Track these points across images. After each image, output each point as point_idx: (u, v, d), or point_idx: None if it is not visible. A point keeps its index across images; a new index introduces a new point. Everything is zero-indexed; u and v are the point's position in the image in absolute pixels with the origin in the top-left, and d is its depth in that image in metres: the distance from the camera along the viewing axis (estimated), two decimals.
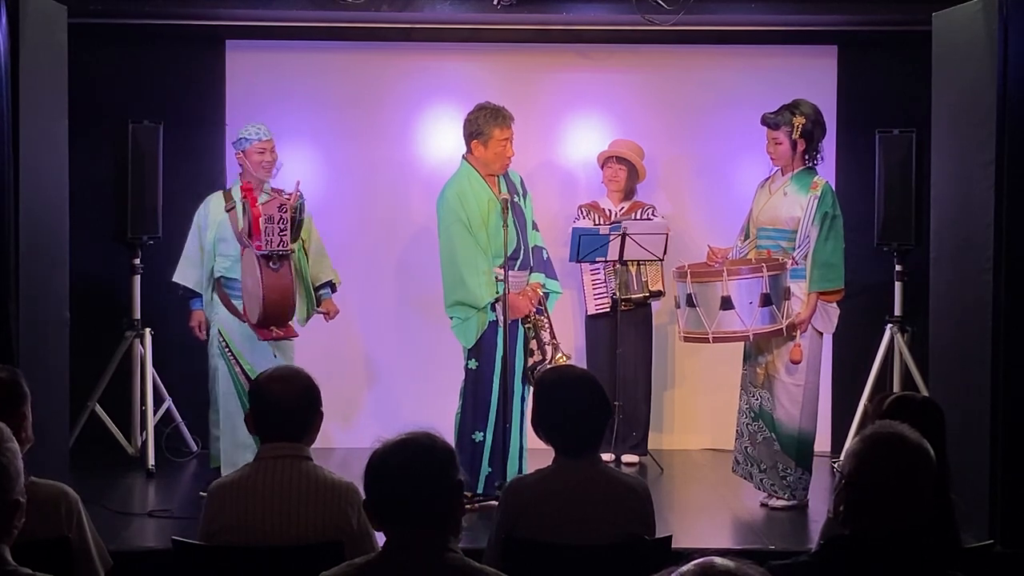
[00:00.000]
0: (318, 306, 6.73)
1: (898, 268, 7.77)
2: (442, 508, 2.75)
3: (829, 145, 7.01)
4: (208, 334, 6.60)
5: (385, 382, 8.11)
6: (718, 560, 1.97)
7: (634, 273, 7.47)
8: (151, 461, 7.19)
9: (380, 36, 7.97)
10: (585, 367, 6.52)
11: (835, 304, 6.41)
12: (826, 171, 6.82)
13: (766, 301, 6.11)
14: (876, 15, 7.43)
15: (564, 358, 6.41)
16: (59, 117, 6.11)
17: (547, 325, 6.48)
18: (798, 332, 6.25)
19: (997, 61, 5.58)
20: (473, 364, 6.38)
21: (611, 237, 7.22)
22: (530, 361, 6.40)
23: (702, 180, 8.20)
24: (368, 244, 8.09)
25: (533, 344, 6.41)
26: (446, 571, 2.73)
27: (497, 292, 6.27)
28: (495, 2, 7.02)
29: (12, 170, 5.54)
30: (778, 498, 6.39)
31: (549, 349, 6.41)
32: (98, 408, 7.53)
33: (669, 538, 3.84)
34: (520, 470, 6.25)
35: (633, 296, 7.48)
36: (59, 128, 6.11)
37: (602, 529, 3.71)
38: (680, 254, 7.27)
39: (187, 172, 7.13)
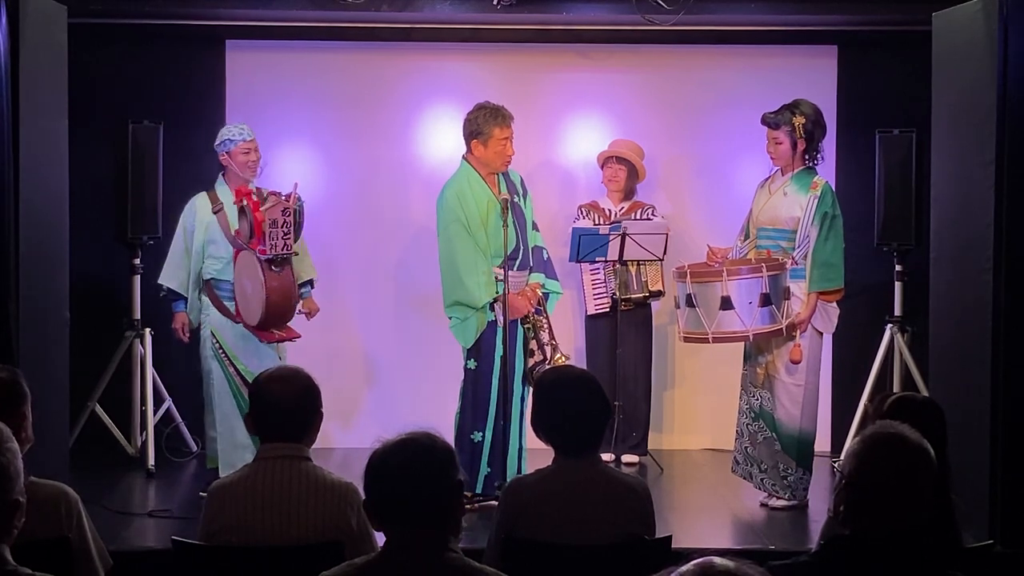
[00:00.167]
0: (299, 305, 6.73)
1: (898, 268, 7.78)
2: (442, 508, 2.75)
3: (829, 145, 7.00)
4: (190, 336, 6.60)
5: (385, 382, 8.11)
6: (717, 560, 1.97)
7: (634, 273, 7.47)
8: (151, 461, 7.20)
9: (380, 36, 7.97)
10: (585, 367, 6.52)
11: (835, 304, 6.41)
12: (826, 171, 6.82)
13: (766, 301, 6.11)
14: (876, 15, 7.43)
15: (563, 358, 6.41)
16: (59, 117, 6.11)
17: (546, 325, 6.48)
18: (798, 332, 6.25)
19: (997, 61, 5.58)
20: (472, 364, 6.38)
21: (611, 237, 7.22)
22: (530, 361, 6.40)
23: (702, 180, 8.20)
24: (368, 244, 8.09)
25: (533, 344, 6.41)
26: (446, 571, 2.73)
27: (496, 292, 6.27)
28: (495, 2, 7.02)
29: (12, 170, 5.54)
30: (778, 498, 6.39)
31: (548, 349, 6.41)
32: (98, 408, 7.53)
33: (669, 538, 3.84)
34: (519, 470, 6.25)
35: (633, 296, 7.48)
36: (59, 128, 6.11)
37: (602, 529, 3.71)
38: (680, 254, 7.27)
39: (187, 172, 7.13)
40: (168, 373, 7.65)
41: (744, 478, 6.56)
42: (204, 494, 3.85)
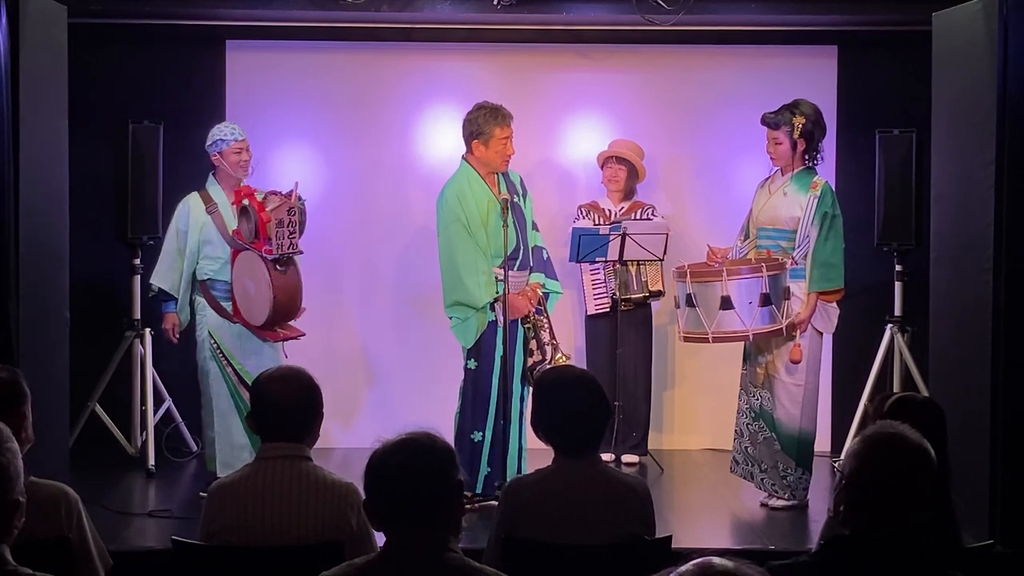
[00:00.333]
0: None
1: (898, 268, 7.78)
2: (442, 508, 2.75)
3: (829, 145, 7.01)
4: (180, 336, 6.59)
5: (385, 382, 8.11)
6: (717, 560, 1.97)
7: (634, 273, 7.47)
8: (151, 461, 7.20)
9: (380, 36, 7.97)
10: (585, 367, 6.52)
11: (835, 304, 6.41)
12: (826, 171, 6.82)
13: (766, 301, 6.11)
14: (876, 15, 7.43)
15: (564, 358, 6.41)
16: (59, 117, 6.11)
17: (546, 325, 6.48)
18: (798, 332, 6.25)
19: (997, 61, 5.58)
20: (472, 364, 6.38)
21: (611, 237, 7.22)
22: (530, 361, 6.40)
23: (702, 180, 8.20)
24: (368, 244, 8.09)
25: (533, 344, 6.42)
26: (446, 571, 2.73)
27: (496, 292, 6.27)
28: (495, 2, 7.02)
29: (12, 170, 5.54)
30: (778, 498, 6.39)
31: (549, 349, 6.41)
32: (98, 408, 7.53)
33: (669, 538, 3.84)
34: (519, 470, 6.25)
35: (633, 296, 7.48)
36: (59, 128, 6.11)
37: (602, 529, 3.71)
38: (680, 254, 7.27)
39: (187, 172, 7.13)
40: (168, 373, 7.65)
41: (744, 478, 6.56)
42: (204, 494, 3.85)
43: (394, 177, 8.10)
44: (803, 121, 6.34)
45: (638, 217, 7.57)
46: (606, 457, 7.13)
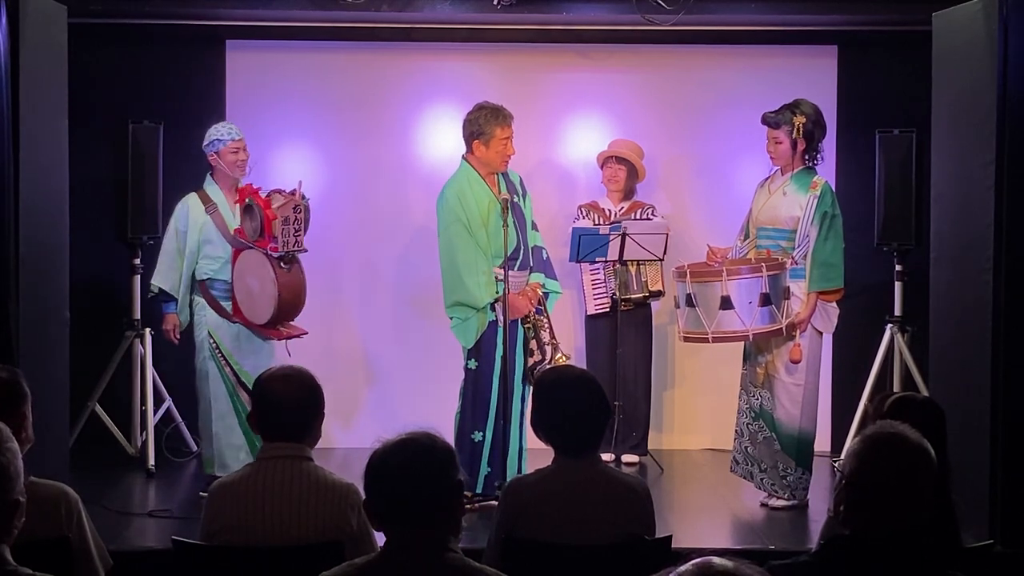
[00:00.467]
0: None
1: (898, 268, 7.78)
2: (442, 508, 2.75)
3: (829, 145, 7.01)
4: (180, 336, 6.58)
5: (385, 382, 8.11)
6: (716, 560, 1.97)
7: (634, 273, 7.47)
8: (151, 461, 7.20)
9: (380, 36, 7.97)
10: (585, 367, 6.51)
11: (835, 304, 6.41)
12: (826, 171, 6.82)
13: (765, 301, 6.11)
14: (876, 15, 7.43)
15: (564, 358, 6.41)
16: (59, 117, 6.11)
17: (547, 325, 6.48)
18: (798, 332, 6.25)
19: (997, 61, 5.58)
20: (473, 364, 6.38)
21: (611, 237, 7.22)
22: (530, 361, 6.40)
23: (702, 180, 8.20)
24: (368, 244, 8.09)
25: (533, 344, 6.42)
26: (446, 571, 2.73)
27: (497, 292, 6.27)
28: (495, 2, 7.02)
29: (12, 170, 5.54)
30: (778, 498, 6.39)
31: (549, 349, 6.41)
32: (98, 408, 7.53)
33: (669, 538, 3.84)
34: (520, 470, 6.25)
35: (633, 296, 7.48)
36: (59, 128, 6.11)
37: (602, 529, 3.71)
38: (680, 254, 7.27)
39: (187, 172, 7.13)
40: (168, 373, 7.65)
41: (744, 478, 6.56)
42: (204, 494, 3.85)
43: (394, 177, 8.10)
44: (803, 121, 6.34)
45: (638, 217, 7.57)
46: (606, 457, 7.13)
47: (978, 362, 5.71)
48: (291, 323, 6.47)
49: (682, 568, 1.97)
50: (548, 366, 6.18)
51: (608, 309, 7.52)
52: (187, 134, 7.42)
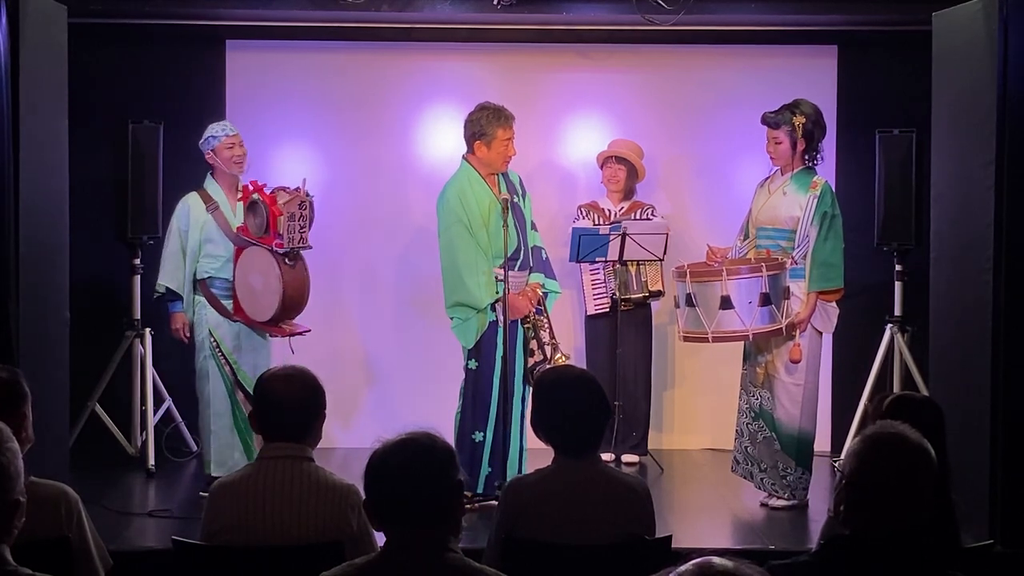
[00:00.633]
0: None
1: (898, 268, 7.78)
2: (442, 508, 2.75)
3: (829, 145, 7.01)
4: (192, 335, 6.59)
5: (385, 382, 8.11)
6: (716, 560, 1.97)
7: (634, 273, 7.47)
8: (151, 461, 7.20)
9: (380, 36, 7.97)
10: (585, 367, 6.51)
11: (834, 304, 6.40)
12: (826, 171, 6.82)
13: (765, 301, 6.11)
14: (876, 15, 7.43)
15: (564, 358, 6.41)
16: (59, 117, 6.11)
17: (547, 325, 6.48)
18: (797, 332, 6.25)
19: (997, 61, 5.58)
20: (473, 364, 6.38)
21: (611, 237, 7.22)
22: (530, 361, 6.40)
23: (702, 180, 8.20)
24: (368, 244, 8.09)
25: (533, 344, 6.42)
26: (446, 571, 2.73)
27: (497, 293, 6.27)
28: (495, 2, 7.02)
29: (12, 170, 5.54)
30: (778, 498, 6.39)
31: (549, 349, 6.41)
32: (98, 408, 7.53)
33: (669, 538, 3.84)
34: (520, 470, 6.25)
35: (633, 296, 7.48)
36: (59, 128, 6.11)
37: (602, 529, 3.71)
38: (680, 254, 7.26)
39: (187, 172, 7.13)
40: (168, 373, 7.65)
41: (744, 477, 6.56)
42: (204, 494, 3.85)
43: (394, 177, 8.10)
44: (803, 121, 6.34)
45: (638, 217, 7.57)
46: (606, 457, 7.14)
47: (978, 362, 5.71)
48: (293, 321, 6.47)
49: (682, 568, 1.97)
50: (548, 366, 6.18)
51: (608, 309, 7.52)
52: (187, 134, 7.41)
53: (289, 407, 3.64)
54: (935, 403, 3.97)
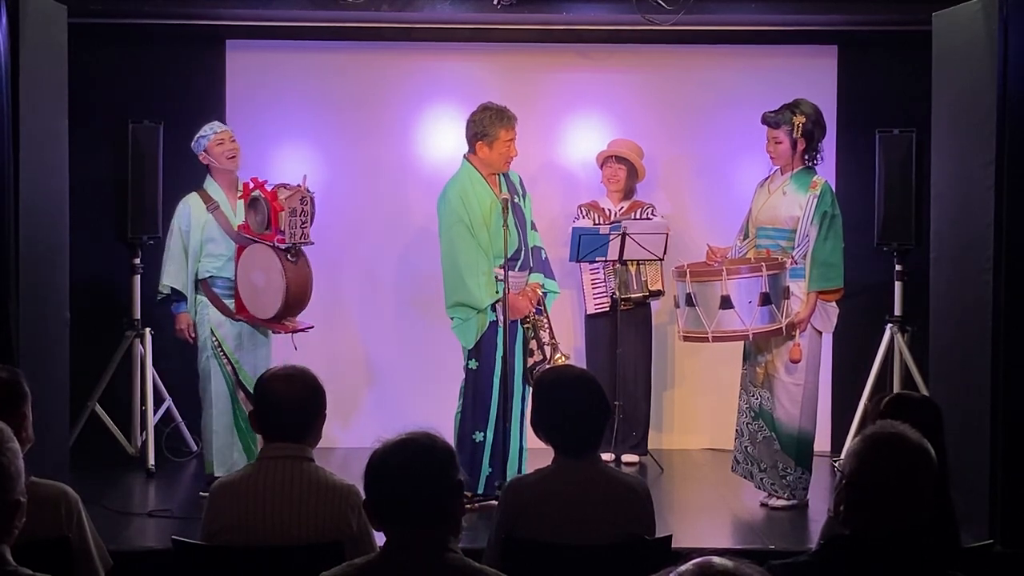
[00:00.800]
0: None
1: (898, 268, 7.78)
2: (442, 508, 2.75)
3: (829, 145, 7.01)
4: (197, 335, 6.59)
5: (385, 382, 8.11)
6: (716, 560, 1.97)
7: (634, 273, 7.47)
8: (151, 461, 7.20)
9: (380, 36, 7.97)
10: (585, 367, 6.51)
11: (834, 303, 6.40)
12: (826, 171, 6.82)
13: (765, 300, 6.11)
14: (876, 15, 7.43)
15: (563, 358, 6.41)
16: (59, 117, 6.11)
17: (546, 325, 6.48)
18: (797, 331, 6.25)
19: (997, 61, 5.58)
20: (473, 364, 6.38)
21: (611, 237, 7.22)
22: (530, 361, 6.40)
23: (702, 180, 8.20)
24: (368, 244, 8.09)
25: (533, 344, 6.42)
26: (446, 571, 2.73)
27: (497, 293, 6.27)
28: (495, 2, 7.02)
29: (12, 170, 5.54)
30: (778, 498, 6.39)
31: (548, 349, 6.41)
32: (98, 408, 7.53)
33: (669, 538, 3.84)
34: (520, 470, 6.25)
35: (633, 296, 7.48)
36: (59, 128, 6.11)
37: (602, 529, 3.71)
38: (680, 254, 7.26)
39: (187, 172, 7.12)
40: (168, 373, 7.65)
41: (744, 477, 6.56)
42: (204, 494, 3.85)
43: (394, 177, 8.10)
44: (803, 120, 6.34)
45: (638, 217, 7.57)
46: (606, 457, 7.13)
47: (978, 362, 5.71)
48: (296, 318, 6.47)
49: (682, 568, 1.97)
50: (548, 366, 6.18)
51: (608, 309, 7.51)
52: (187, 134, 7.41)
53: (289, 407, 3.64)
54: (933, 402, 3.97)
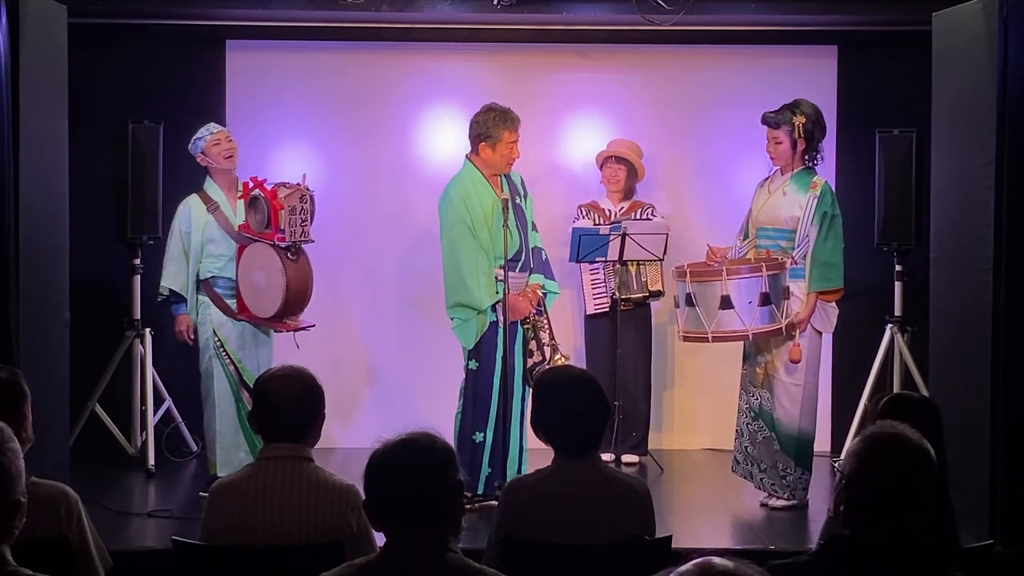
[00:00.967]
0: None
1: (898, 268, 7.78)
2: (442, 508, 2.75)
3: (829, 145, 7.00)
4: (196, 337, 6.58)
5: (385, 382, 8.11)
6: (717, 560, 1.97)
7: (633, 273, 7.47)
8: (151, 461, 7.20)
9: (380, 36, 7.97)
10: (584, 367, 6.51)
11: (834, 304, 6.40)
12: (826, 171, 6.82)
13: (765, 300, 6.11)
14: (876, 15, 7.43)
15: (563, 359, 6.41)
16: (59, 117, 6.11)
17: (546, 326, 6.48)
18: (797, 332, 6.25)
19: (997, 61, 5.58)
20: (473, 365, 6.38)
21: (611, 237, 7.22)
22: (530, 362, 6.40)
23: (702, 180, 8.20)
24: (369, 244, 8.09)
25: (532, 345, 6.41)
26: (446, 571, 2.73)
27: (497, 294, 6.27)
28: (495, 2, 7.02)
29: (12, 170, 5.54)
30: (778, 498, 6.39)
31: (548, 350, 6.41)
32: (98, 408, 7.53)
33: (669, 538, 3.84)
34: (520, 470, 6.25)
35: (632, 296, 7.48)
36: (59, 128, 6.11)
37: (602, 529, 3.71)
38: (680, 254, 7.26)
39: (187, 172, 7.12)
40: (168, 373, 7.65)
41: (744, 477, 6.56)
42: (204, 494, 3.85)
43: (395, 177, 8.10)
44: (803, 120, 6.34)
45: (638, 217, 7.57)
46: (606, 457, 7.13)
47: (978, 362, 5.71)
48: (297, 316, 6.47)
49: (682, 568, 1.97)
50: (548, 367, 6.18)
51: (608, 309, 7.51)
52: (187, 134, 7.41)
53: (288, 407, 3.64)
54: (932, 403, 3.97)
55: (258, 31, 7.92)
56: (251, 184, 6.33)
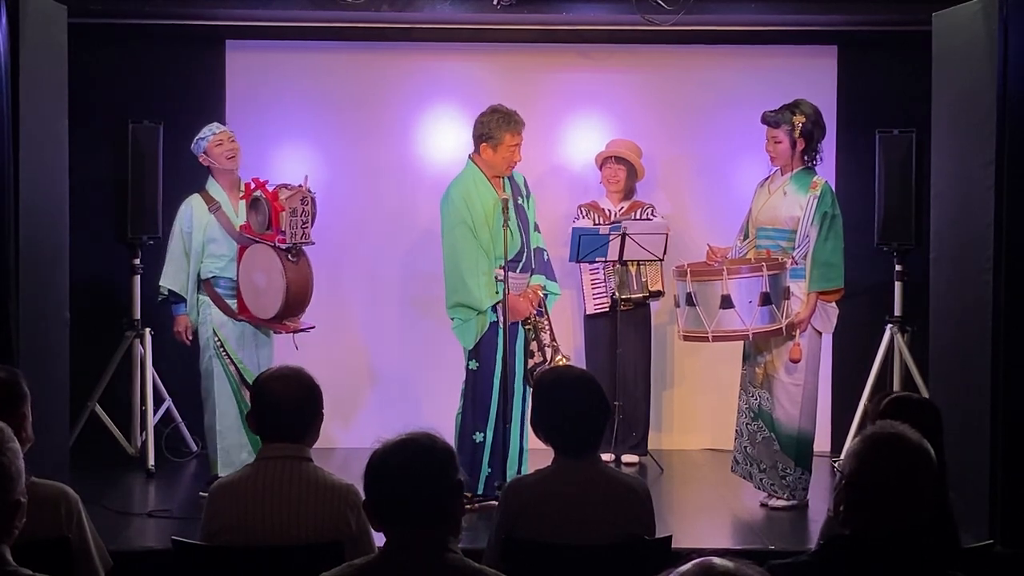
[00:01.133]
0: None
1: (898, 268, 7.78)
2: (442, 508, 2.75)
3: (829, 145, 7.01)
4: (194, 338, 6.58)
5: (386, 382, 8.11)
6: (717, 560, 1.97)
7: (633, 273, 7.47)
8: (151, 461, 7.20)
9: (380, 36, 7.97)
10: (584, 367, 6.51)
11: (834, 304, 6.40)
12: (826, 171, 6.82)
13: (766, 300, 6.11)
14: (876, 15, 7.43)
15: (564, 360, 6.41)
16: (59, 117, 6.11)
17: (547, 327, 6.48)
18: (797, 332, 6.25)
19: (997, 61, 5.58)
20: (474, 365, 6.37)
21: (611, 237, 7.22)
22: (530, 363, 6.40)
23: (702, 180, 8.20)
24: (369, 244, 8.09)
25: (533, 346, 6.41)
26: (446, 571, 2.73)
27: (498, 294, 6.27)
28: (495, 2, 7.02)
29: (12, 170, 5.54)
30: (778, 498, 6.39)
31: (549, 351, 6.41)
32: (98, 408, 7.53)
33: (669, 538, 3.84)
34: (520, 471, 6.25)
35: (632, 296, 7.48)
36: (59, 128, 6.11)
37: (602, 529, 3.71)
38: (680, 254, 7.26)
39: (187, 172, 7.13)
40: (168, 373, 7.65)
41: (744, 478, 6.56)
42: (204, 494, 3.85)
43: (395, 177, 8.10)
44: (803, 120, 6.34)
45: (638, 217, 7.57)
46: (606, 457, 7.13)
47: (978, 362, 5.71)
48: (297, 318, 6.47)
49: (682, 568, 1.97)
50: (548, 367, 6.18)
51: (607, 309, 7.51)
52: (187, 134, 7.41)
53: (286, 408, 3.64)
54: (932, 404, 3.97)
55: (258, 31, 7.92)
56: (253, 185, 6.33)
